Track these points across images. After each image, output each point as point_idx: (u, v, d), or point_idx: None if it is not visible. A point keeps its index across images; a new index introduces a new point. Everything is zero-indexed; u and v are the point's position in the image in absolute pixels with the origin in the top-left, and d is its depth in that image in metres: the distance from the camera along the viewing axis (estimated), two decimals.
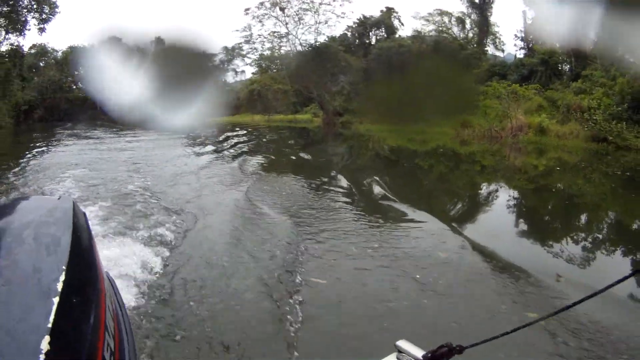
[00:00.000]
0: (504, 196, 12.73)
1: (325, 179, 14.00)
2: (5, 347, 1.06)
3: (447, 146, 22.69)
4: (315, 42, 38.97)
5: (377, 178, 13.63)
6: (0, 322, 1.11)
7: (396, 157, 20.89)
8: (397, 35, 42.42)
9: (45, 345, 1.05)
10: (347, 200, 11.05)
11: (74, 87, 52.07)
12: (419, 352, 1.66)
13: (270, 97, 39.71)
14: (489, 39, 41.01)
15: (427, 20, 40.02)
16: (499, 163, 18.48)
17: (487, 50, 40.51)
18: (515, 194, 13.19)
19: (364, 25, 43.19)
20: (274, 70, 41.68)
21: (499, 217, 10.67)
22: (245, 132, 31.64)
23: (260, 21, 39.74)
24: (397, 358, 1.71)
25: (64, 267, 1.30)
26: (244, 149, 21.20)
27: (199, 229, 8.05)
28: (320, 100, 38.63)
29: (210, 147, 21.08)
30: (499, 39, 41.30)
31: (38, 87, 48.32)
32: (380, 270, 6.37)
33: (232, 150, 20.29)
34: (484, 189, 14.01)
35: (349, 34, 43.61)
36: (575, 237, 8.79)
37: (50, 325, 1.11)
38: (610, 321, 4.95)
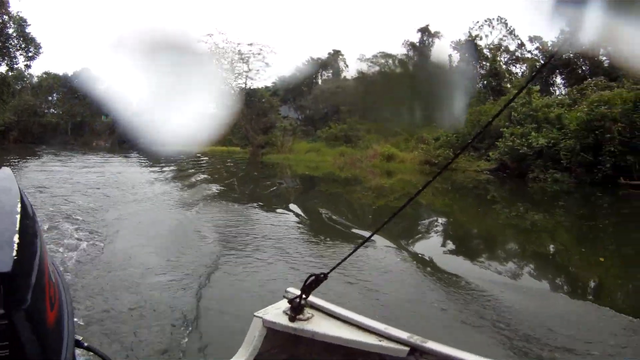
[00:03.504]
0: (355, 197, 21.26)
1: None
2: None
3: (333, 172, 32.45)
4: (245, 86, 50.24)
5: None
6: None
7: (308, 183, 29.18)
8: (342, 76, 52.05)
9: (16, 239, 1.45)
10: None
11: (47, 111, 60.71)
12: (299, 292, 2.44)
13: None
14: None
15: (372, 62, 46.21)
16: (364, 182, 27.21)
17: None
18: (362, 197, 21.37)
19: (312, 66, 53.25)
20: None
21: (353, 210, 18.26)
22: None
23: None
24: (284, 297, 2.50)
25: (18, 200, 1.66)
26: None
27: None
28: (247, 135, 49.84)
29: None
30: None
31: (14, 109, 55.31)
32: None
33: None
34: (356, 199, 21.35)
35: (297, 73, 53.47)
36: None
37: (17, 228, 1.50)
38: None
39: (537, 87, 31.56)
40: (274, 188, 22.70)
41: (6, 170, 2.05)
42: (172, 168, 29.60)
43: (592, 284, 9.63)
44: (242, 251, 10.14)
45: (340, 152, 39.68)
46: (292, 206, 16.92)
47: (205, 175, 25.63)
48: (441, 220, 16.56)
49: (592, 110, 23.61)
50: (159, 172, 26.41)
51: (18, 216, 1.55)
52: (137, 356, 5.33)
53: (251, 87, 50.99)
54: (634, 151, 22.21)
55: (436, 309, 7.02)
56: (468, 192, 23.52)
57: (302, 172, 33.72)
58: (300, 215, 15.48)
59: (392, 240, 11.27)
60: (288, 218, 14.81)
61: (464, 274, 8.79)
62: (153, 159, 34.62)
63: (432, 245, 12.19)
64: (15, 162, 30.03)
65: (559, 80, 39.97)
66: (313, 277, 2.35)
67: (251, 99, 49.87)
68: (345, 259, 2.46)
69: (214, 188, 20.35)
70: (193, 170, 29.31)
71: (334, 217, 14.96)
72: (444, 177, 27.15)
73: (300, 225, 13.83)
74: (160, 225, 12.68)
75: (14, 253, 1.38)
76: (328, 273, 2.35)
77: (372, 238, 11.30)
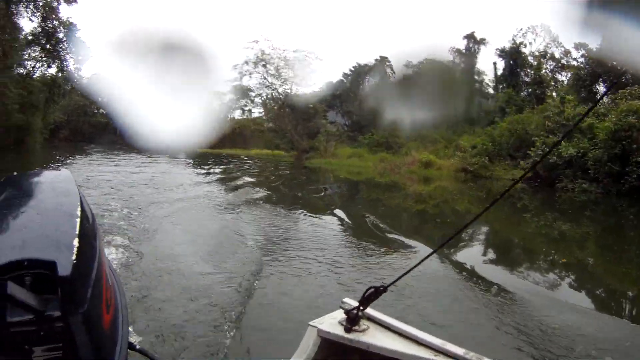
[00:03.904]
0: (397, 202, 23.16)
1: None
2: (52, 243, 1.50)
3: (374, 177, 34.61)
4: (291, 92, 53.70)
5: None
6: (44, 231, 1.56)
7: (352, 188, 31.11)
8: (389, 82, 52.99)
9: (76, 242, 1.50)
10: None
11: (96, 111, 64.13)
12: (356, 303, 2.43)
13: (248, 135, 54.64)
14: (474, 88, 50.24)
15: (419, 68, 46.97)
16: (404, 189, 29.03)
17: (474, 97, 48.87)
18: (407, 204, 23.10)
19: (358, 72, 55.43)
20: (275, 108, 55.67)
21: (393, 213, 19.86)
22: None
23: (249, 74, 54.19)
24: (341, 307, 2.50)
25: (78, 203, 1.73)
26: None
27: None
28: (292, 139, 52.72)
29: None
30: (484, 86, 51.71)
31: (64, 109, 58.65)
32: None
33: None
34: (399, 205, 22.90)
35: (344, 79, 56.32)
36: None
37: (77, 232, 1.55)
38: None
39: (571, 97, 32.59)
40: (321, 194, 24.36)
41: (65, 172, 2.15)
42: (219, 169, 32.05)
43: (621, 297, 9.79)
44: (288, 251, 10.68)
45: (380, 158, 41.85)
46: (338, 211, 17.78)
47: (251, 179, 27.55)
48: (479, 228, 17.15)
49: (620, 120, 24.35)
50: (206, 173, 28.77)
51: (78, 219, 1.63)
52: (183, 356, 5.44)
53: (297, 93, 53.77)
54: None
55: (476, 320, 7.19)
56: (502, 200, 24.53)
57: (344, 177, 35.72)
58: (345, 220, 16.17)
59: (432, 247, 11.28)
60: (333, 223, 15.51)
61: (503, 282, 9.12)
62: (200, 160, 36.96)
63: (471, 253, 12.43)
64: (60, 158, 33.34)
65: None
66: (372, 290, 2.40)
67: (296, 105, 52.65)
68: (406, 273, 2.51)
69: (259, 190, 21.81)
70: (239, 173, 31.39)
71: (380, 225, 15.48)
72: (479, 186, 29.18)
73: (345, 231, 14.49)
74: (207, 221, 13.68)
75: (74, 257, 1.46)
76: (388, 286, 2.40)
77: (414, 245, 12.37)
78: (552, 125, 30.08)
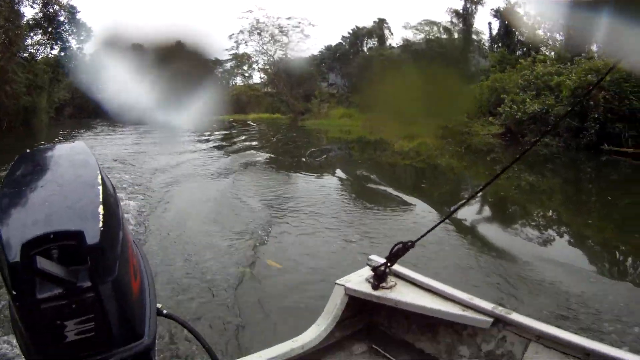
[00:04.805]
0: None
1: None
2: (77, 213, 1.56)
3: (364, 135, 38.25)
4: (285, 57, 58.13)
5: None
6: (66, 203, 1.62)
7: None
8: (387, 44, 56.78)
9: (101, 210, 1.56)
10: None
11: (100, 87, 66.46)
12: (382, 259, 2.48)
13: (246, 100, 58.63)
14: (473, 47, 52.67)
15: (417, 30, 51.42)
16: (391, 145, 31.49)
17: (472, 57, 51.49)
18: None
19: (357, 35, 58.47)
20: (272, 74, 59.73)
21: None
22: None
23: (245, 43, 59.45)
24: (368, 264, 2.57)
25: (98, 172, 1.77)
26: None
27: None
28: (288, 102, 56.94)
29: None
30: (483, 46, 53.81)
31: (68, 87, 61.08)
32: None
33: None
34: (391, 162, 26.27)
35: (343, 42, 59.58)
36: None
37: (101, 200, 1.60)
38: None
39: (542, 57, 35.29)
40: (323, 156, 27.00)
41: (81, 144, 2.21)
42: (223, 133, 37.60)
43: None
44: (295, 209, 11.68)
45: (367, 117, 43.58)
46: (338, 172, 19.68)
47: (253, 142, 32.02)
48: (461, 180, 20.24)
49: (580, 78, 26.24)
50: (209, 135, 33.75)
51: (100, 188, 1.68)
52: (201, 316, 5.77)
53: (292, 58, 58.23)
54: (623, 119, 24.70)
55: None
56: (479, 154, 27.97)
57: (337, 136, 40.10)
58: (346, 180, 17.91)
59: (428, 201, 13.25)
60: (332, 181, 17.50)
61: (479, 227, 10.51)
62: (205, 126, 40.15)
63: (450, 201, 13.89)
64: (66, 134, 37.80)
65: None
66: (400, 245, 2.48)
67: (292, 69, 56.69)
68: (430, 230, 2.61)
69: (262, 153, 25.49)
70: (243, 137, 36.48)
71: (378, 181, 17.40)
72: (458, 141, 31.75)
73: (346, 190, 15.89)
74: (216, 182, 15.57)
75: (100, 225, 1.53)
76: (415, 242, 2.49)
77: (413, 203, 13.33)
78: (524, 83, 32.36)
